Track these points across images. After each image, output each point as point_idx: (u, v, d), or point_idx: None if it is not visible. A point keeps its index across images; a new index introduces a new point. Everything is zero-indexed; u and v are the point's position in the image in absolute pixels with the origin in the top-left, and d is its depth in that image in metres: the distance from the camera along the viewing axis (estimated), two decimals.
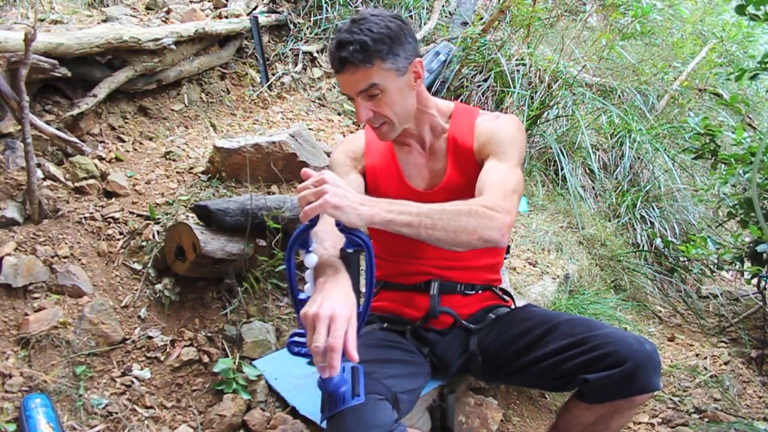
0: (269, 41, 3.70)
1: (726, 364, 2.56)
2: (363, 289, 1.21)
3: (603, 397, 1.34)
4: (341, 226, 1.17)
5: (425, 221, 1.20)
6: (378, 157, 1.59)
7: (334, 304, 1.03)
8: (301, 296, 1.21)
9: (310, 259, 1.19)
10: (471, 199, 1.33)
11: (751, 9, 2.10)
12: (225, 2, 3.59)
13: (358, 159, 1.60)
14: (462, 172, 1.51)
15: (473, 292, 1.58)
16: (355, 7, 3.97)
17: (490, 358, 1.52)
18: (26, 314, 1.78)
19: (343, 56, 1.33)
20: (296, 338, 1.22)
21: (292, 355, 1.23)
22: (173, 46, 2.81)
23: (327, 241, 1.24)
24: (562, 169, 3.63)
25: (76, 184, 2.20)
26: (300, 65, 3.66)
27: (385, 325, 1.58)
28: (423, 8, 4.37)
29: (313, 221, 1.18)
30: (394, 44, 1.36)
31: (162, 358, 1.88)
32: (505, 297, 1.67)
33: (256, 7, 3.69)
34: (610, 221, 3.64)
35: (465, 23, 4.48)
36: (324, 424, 1.22)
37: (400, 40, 1.37)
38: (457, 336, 1.56)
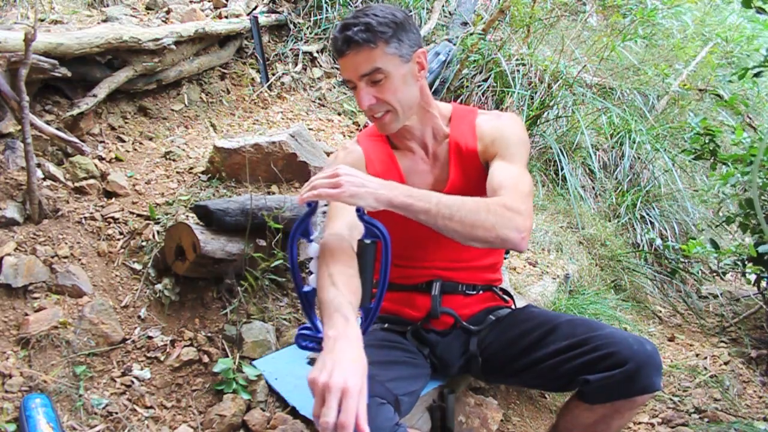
0: (269, 41, 3.70)
1: (726, 364, 2.56)
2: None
3: (604, 397, 1.34)
4: (361, 213, 1.17)
5: (443, 211, 1.19)
6: (380, 165, 1.53)
7: (347, 374, 0.95)
8: (306, 288, 1.21)
9: (313, 249, 1.19)
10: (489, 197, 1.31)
11: (758, 2, 2.09)
12: (225, 2, 3.59)
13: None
14: (465, 176, 1.49)
15: (475, 292, 1.58)
16: (355, 6, 3.96)
17: (490, 359, 1.52)
18: (26, 314, 1.78)
19: (347, 35, 1.32)
20: (305, 332, 1.22)
21: (300, 348, 1.22)
22: (173, 46, 2.81)
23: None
24: (562, 169, 3.63)
25: (76, 184, 2.20)
26: (300, 65, 3.66)
27: (386, 325, 1.58)
28: (423, 8, 4.37)
29: (313, 208, 1.17)
30: (399, 30, 1.35)
31: (162, 358, 1.88)
32: (506, 297, 1.67)
33: (256, 7, 3.69)
34: (610, 221, 3.64)
35: (465, 23, 4.48)
36: None
37: (405, 27, 1.37)
38: (458, 337, 1.56)
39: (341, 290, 1.12)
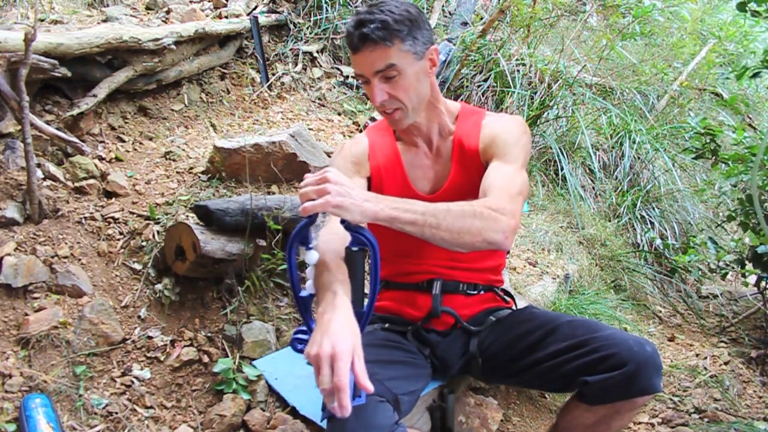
0: (269, 41, 3.70)
1: (726, 364, 2.56)
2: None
3: (604, 398, 1.34)
4: (346, 224, 1.16)
5: (430, 220, 1.19)
6: (383, 158, 1.56)
7: (334, 339, 1.00)
8: (303, 293, 1.21)
9: (311, 256, 1.19)
10: (475, 200, 1.32)
11: (752, 5, 2.09)
12: (225, 2, 3.59)
13: (362, 163, 1.55)
14: (466, 175, 1.50)
15: (475, 292, 1.58)
16: (355, 6, 3.96)
17: (490, 359, 1.52)
18: (26, 314, 1.78)
19: (363, 32, 1.32)
20: (299, 335, 1.23)
21: (295, 352, 1.23)
22: (173, 46, 2.81)
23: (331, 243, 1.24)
24: (562, 169, 3.63)
25: (76, 184, 2.20)
26: (300, 65, 3.66)
27: (387, 325, 1.58)
28: (423, 8, 4.37)
29: (313, 217, 1.17)
30: (413, 27, 1.36)
31: (162, 358, 1.88)
32: (507, 298, 1.67)
33: (256, 7, 3.68)
34: (610, 221, 3.64)
35: (465, 23, 4.48)
36: (324, 424, 1.22)
37: (419, 24, 1.37)
38: (458, 337, 1.56)
39: (333, 272, 1.16)
